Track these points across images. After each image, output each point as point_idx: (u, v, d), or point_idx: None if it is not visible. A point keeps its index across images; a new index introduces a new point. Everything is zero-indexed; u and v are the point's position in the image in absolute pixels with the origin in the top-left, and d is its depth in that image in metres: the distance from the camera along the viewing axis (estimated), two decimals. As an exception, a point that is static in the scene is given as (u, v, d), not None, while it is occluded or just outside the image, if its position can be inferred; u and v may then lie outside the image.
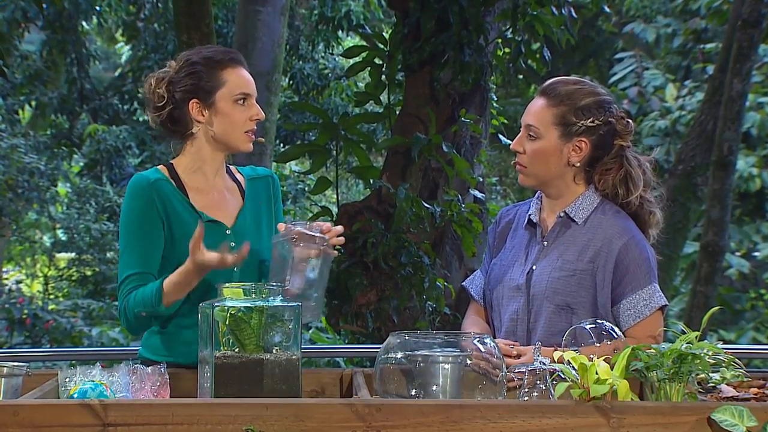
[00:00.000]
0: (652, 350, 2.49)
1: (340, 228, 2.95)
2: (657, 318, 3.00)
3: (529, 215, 3.16)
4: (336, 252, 2.98)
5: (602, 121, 3.04)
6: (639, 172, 3.09)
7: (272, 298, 2.65)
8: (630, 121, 3.11)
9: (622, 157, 3.08)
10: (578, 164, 3.06)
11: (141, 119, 15.54)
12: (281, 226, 2.93)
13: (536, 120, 3.04)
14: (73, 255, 14.60)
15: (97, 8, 14.35)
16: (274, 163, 10.99)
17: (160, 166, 3.12)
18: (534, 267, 3.07)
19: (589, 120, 3.03)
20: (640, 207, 3.10)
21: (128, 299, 2.96)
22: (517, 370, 2.65)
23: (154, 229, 3.00)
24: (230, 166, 3.20)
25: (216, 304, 2.60)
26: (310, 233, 2.88)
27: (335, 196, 6.88)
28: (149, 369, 2.68)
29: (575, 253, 3.03)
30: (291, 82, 14.19)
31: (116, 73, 17.48)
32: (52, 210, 14.39)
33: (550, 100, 3.04)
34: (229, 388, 2.55)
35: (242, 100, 3.05)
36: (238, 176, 3.19)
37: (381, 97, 6.71)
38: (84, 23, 14.91)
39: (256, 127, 3.09)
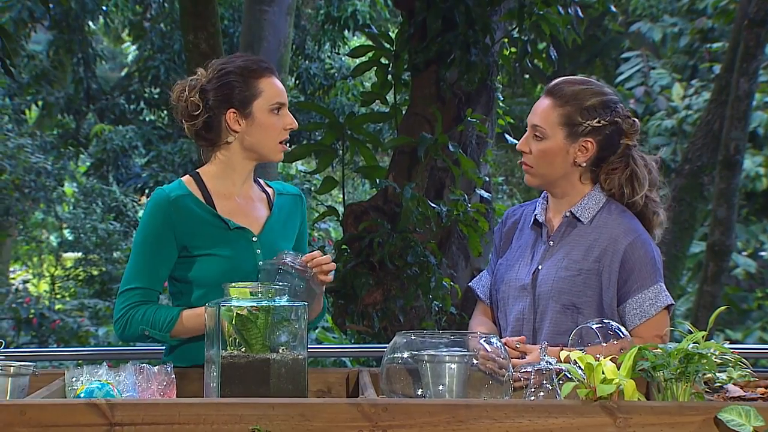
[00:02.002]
0: (658, 350, 2.48)
1: (326, 258, 2.96)
2: (663, 317, 3.01)
3: (535, 215, 3.16)
4: (330, 278, 2.99)
5: (608, 121, 3.04)
6: (645, 172, 3.09)
7: (278, 298, 2.65)
8: (636, 120, 3.11)
9: (628, 156, 3.08)
10: (584, 164, 3.06)
11: (147, 119, 15.56)
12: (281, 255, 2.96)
13: (542, 120, 3.04)
14: (79, 255, 14.63)
15: (104, 8, 14.37)
16: (280, 163, 10.99)
17: (185, 178, 3.12)
18: (540, 267, 3.07)
19: (595, 120, 3.03)
20: (644, 207, 3.10)
21: (134, 313, 2.99)
22: (523, 370, 2.65)
23: (166, 248, 3.01)
24: (259, 179, 3.21)
25: (222, 303, 2.60)
26: (298, 267, 2.90)
27: (341, 196, 6.87)
28: (156, 369, 2.69)
29: (581, 252, 3.03)
30: (297, 81, 14.20)
31: (123, 73, 17.51)
32: (58, 210, 14.42)
33: (557, 100, 3.04)
34: (235, 387, 2.56)
35: (277, 110, 3.07)
36: (268, 189, 3.21)
37: (387, 97, 6.71)
38: (90, 23, 14.93)
39: (288, 137, 3.11)
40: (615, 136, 3.06)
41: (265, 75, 3.07)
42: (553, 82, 3.10)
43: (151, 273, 3.01)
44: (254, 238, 3.07)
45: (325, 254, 2.98)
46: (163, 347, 3.15)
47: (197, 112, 3.06)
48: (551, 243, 3.09)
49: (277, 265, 2.92)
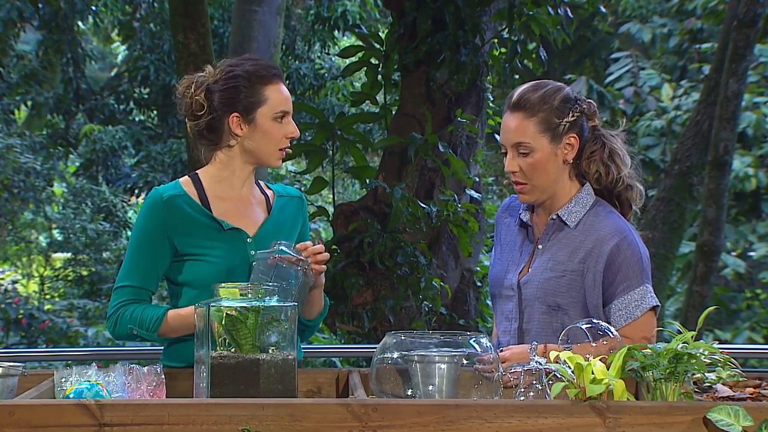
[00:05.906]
0: (648, 350, 2.49)
1: (319, 247, 2.96)
2: (648, 319, 3.00)
3: (520, 216, 3.16)
4: (324, 267, 2.99)
5: (578, 111, 3.06)
6: (620, 145, 3.11)
7: (268, 298, 2.65)
8: (591, 100, 3.13)
9: (600, 136, 3.10)
10: (572, 160, 3.07)
11: (137, 119, 15.54)
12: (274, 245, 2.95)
13: (522, 135, 3.02)
14: (69, 255, 14.59)
15: (93, 8, 14.34)
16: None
17: (183, 179, 3.12)
18: (526, 269, 3.08)
19: (569, 115, 3.04)
20: (621, 183, 3.11)
21: (124, 311, 3.00)
22: (513, 370, 2.65)
23: (159, 249, 3.02)
24: (260, 182, 3.21)
25: (212, 304, 2.60)
26: (293, 254, 2.90)
27: (331, 196, 6.88)
28: (145, 369, 2.68)
29: (566, 254, 3.03)
30: (287, 82, 14.19)
31: (112, 73, 17.49)
32: (48, 210, 14.39)
33: (526, 111, 3.03)
34: (225, 388, 2.55)
35: (281, 118, 3.06)
36: (268, 192, 3.20)
37: (377, 97, 6.72)
38: (80, 23, 14.90)
39: (289, 144, 3.11)
40: (585, 123, 3.08)
41: (272, 82, 3.07)
42: (513, 97, 3.06)
43: (143, 272, 3.02)
44: (249, 239, 3.07)
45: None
46: (160, 347, 3.15)
47: (201, 112, 3.06)
48: (540, 246, 3.09)
49: (271, 254, 2.90)
